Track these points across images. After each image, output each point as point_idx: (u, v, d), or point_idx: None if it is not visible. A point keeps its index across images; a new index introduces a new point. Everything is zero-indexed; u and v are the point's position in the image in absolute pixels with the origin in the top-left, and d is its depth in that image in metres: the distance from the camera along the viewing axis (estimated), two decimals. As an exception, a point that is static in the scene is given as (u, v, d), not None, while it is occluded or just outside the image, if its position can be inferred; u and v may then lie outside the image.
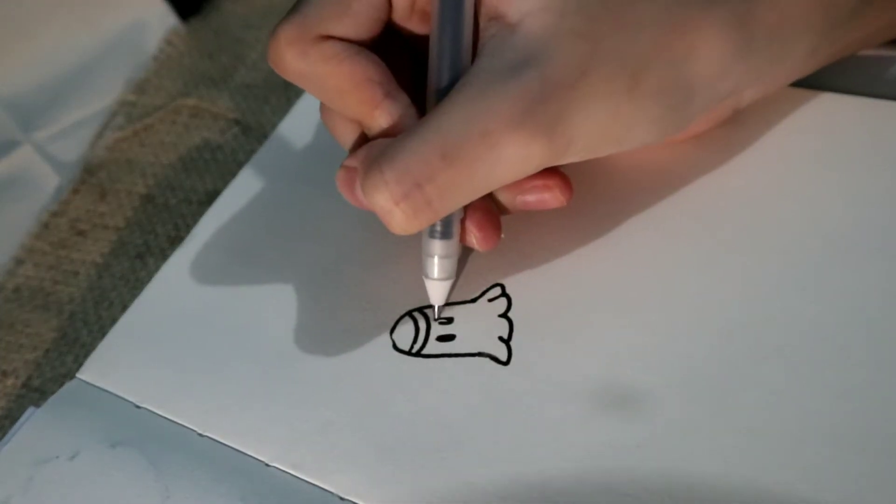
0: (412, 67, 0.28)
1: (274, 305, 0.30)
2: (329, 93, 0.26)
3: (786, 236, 0.28)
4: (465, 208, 0.27)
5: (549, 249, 0.29)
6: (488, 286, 0.29)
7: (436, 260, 0.27)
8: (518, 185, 0.27)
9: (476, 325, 0.28)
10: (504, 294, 0.29)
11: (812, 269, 0.27)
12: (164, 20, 0.47)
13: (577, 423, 0.25)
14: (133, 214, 0.40)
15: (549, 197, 0.27)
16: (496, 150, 0.23)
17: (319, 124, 0.36)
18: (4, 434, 0.30)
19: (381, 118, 0.26)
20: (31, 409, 0.29)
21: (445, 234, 0.27)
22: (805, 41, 0.27)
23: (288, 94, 0.43)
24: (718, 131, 0.30)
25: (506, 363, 0.27)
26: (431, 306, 0.29)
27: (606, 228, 0.30)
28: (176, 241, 0.37)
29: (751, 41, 0.26)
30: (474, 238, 0.27)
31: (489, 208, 0.28)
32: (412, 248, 0.30)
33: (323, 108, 0.28)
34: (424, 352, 0.28)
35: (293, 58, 0.26)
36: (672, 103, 0.25)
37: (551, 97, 0.23)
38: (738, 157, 0.30)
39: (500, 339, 0.28)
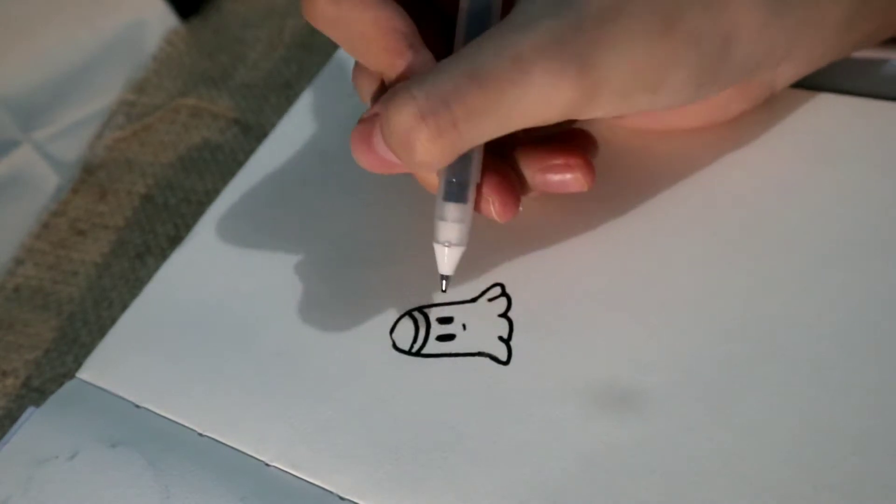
0: (440, 31, 0.28)
1: (274, 305, 0.30)
2: (354, 39, 0.26)
3: (786, 236, 0.28)
4: (482, 173, 0.27)
5: (549, 249, 0.29)
6: (488, 286, 0.29)
7: (448, 224, 0.26)
8: (541, 159, 0.27)
9: (476, 325, 0.28)
10: (504, 294, 0.29)
11: (812, 269, 0.27)
12: (164, 20, 0.47)
13: (577, 423, 0.25)
14: (133, 214, 0.40)
15: (571, 179, 0.27)
16: (527, 76, 0.23)
17: (319, 124, 0.36)
18: (4, 434, 0.30)
19: (401, 67, 0.26)
20: (30, 409, 0.29)
21: (459, 197, 0.26)
22: (840, 9, 0.27)
23: (288, 93, 0.43)
24: (719, 131, 0.30)
25: (506, 363, 0.27)
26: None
27: (606, 228, 0.30)
28: (176, 240, 0.37)
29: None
30: (493, 205, 0.27)
31: (509, 175, 0.27)
32: (412, 248, 0.30)
33: (355, 69, 0.28)
34: (424, 351, 0.28)
35: (326, 2, 0.26)
36: (708, 50, 0.25)
37: (584, 30, 0.23)
38: (738, 157, 0.30)
39: (500, 338, 0.28)
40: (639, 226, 0.29)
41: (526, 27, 0.24)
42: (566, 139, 0.28)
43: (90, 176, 0.42)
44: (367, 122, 0.26)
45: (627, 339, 0.27)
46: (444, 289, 0.28)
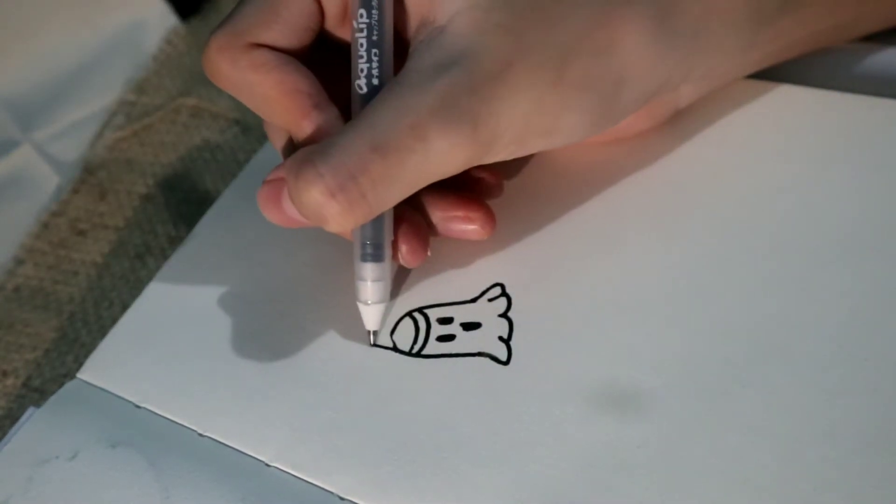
0: (345, 78, 0.28)
1: (274, 305, 0.30)
2: (258, 101, 0.27)
3: (786, 236, 0.28)
4: (396, 229, 0.27)
5: (549, 249, 0.29)
6: (488, 286, 0.29)
7: (368, 284, 0.27)
8: (444, 209, 0.28)
9: (476, 325, 0.28)
10: (504, 294, 0.29)
11: (812, 268, 0.27)
12: (164, 20, 0.47)
13: (577, 423, 0.25)
14: (133, 214, 0.40)
15: (471, 230, 0.28)
16: (425, 143, 0.24)
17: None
18: (4, 434, 0.30)
19: (308, 128, 0.26)
20: (31, 409, 0.29)
21: (377, 257, 0.27)
22: (734, 35, 0.28)
23: (288, 93, 0.43)
24: (718, 130, 0.30)
25: (506, 363, 0.27)
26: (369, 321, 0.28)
27: (607, 228, 0.30)
28: (176, 241, 0.37)
29: (675, 33, 0.26)
30: (401, 252, 0.28)
31: (419, 223, 0.28)
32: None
33: (265, 120, 0.29)
34: (424, 352, 0.28)
35: (224, 65, 0.26)
36: (599, 94, 0.26)
37: (476, 89, 0.24)
38: (737, 157, 0.30)
39: (500, 338, 0.28)
40: (639, 225, 0.29)
41: (420, 89, 0.24)
42: (469, 187, 0.29)
43: (90, 176, 0.42)
44: (274, 185, 0.26)
45: (627, 339, 0.27)
46: (372, 342, 0.28)
